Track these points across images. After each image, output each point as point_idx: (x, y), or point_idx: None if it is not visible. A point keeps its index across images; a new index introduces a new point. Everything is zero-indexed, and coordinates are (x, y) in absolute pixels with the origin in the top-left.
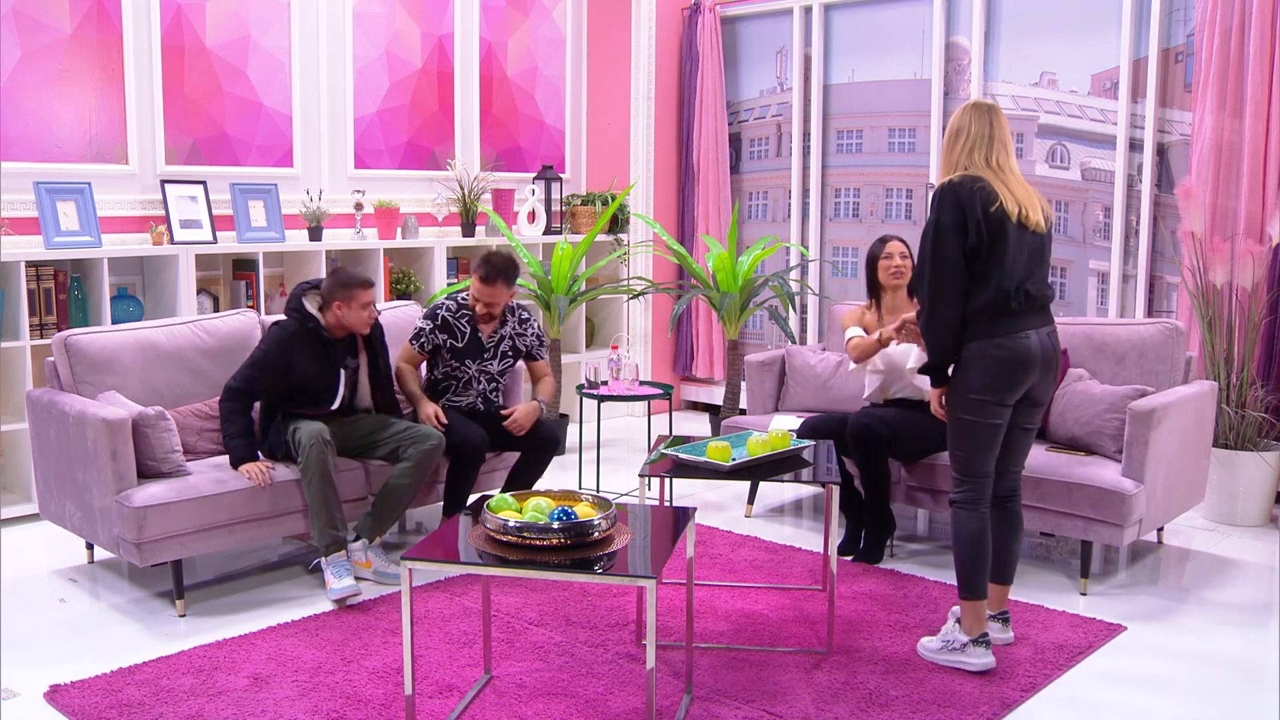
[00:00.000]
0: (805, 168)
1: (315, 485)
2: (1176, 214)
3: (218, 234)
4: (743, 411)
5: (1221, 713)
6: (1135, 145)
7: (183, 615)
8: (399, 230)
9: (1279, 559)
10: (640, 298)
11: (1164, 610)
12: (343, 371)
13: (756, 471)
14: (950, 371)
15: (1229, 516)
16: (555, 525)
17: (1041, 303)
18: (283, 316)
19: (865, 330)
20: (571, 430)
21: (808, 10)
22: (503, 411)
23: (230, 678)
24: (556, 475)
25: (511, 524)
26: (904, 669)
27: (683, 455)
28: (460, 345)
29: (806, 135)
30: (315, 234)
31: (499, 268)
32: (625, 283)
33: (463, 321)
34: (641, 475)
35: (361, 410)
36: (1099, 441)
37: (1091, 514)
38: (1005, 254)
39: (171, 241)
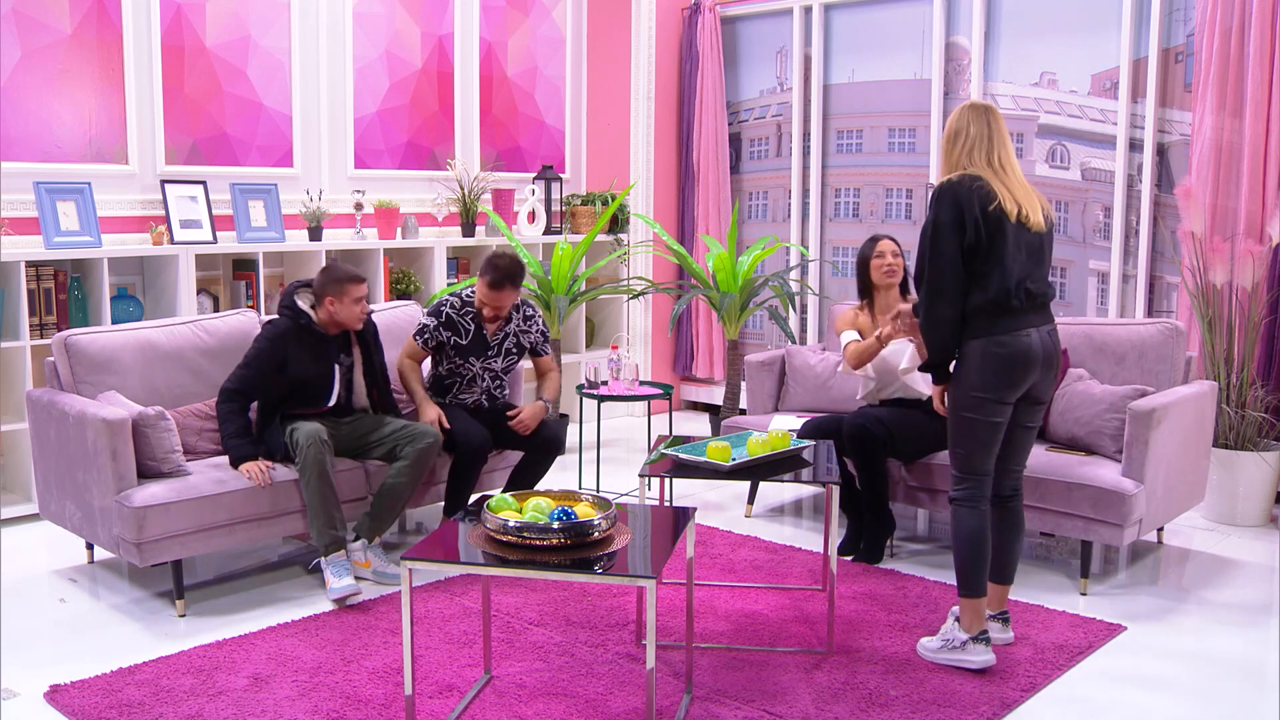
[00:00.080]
0: (805, 168)
1: (313, 485)
2: (1176, 214)
3: (218, 234)
4: (743, 411)
5: (1221, 713)
6: (1135, 145)
7: (183, 615)
8: (399, 230)
9: (1279, 559)
10: (640, 298)
11: (1164, 610)
12: (337, 368)
13: (756, 471)
14: (951, 369)
15: (1229, 516)
16: (555, 525)
17: (1042, 301)
18: (275, 315)
19: (860, 333)
20: (571, 430)
21: (808, 10)
22: (509, 413)
23: (230, 678)
24: (556, 475)
25: (511, 524)
26: (904, 669)
27: (683, 455)
28: (465, 343)
29: (806, 135)
30: (315, 234)
31: (506, 273)
32: (625, 283)
33: (467, 319)
34: (641, 475)
35: (359, 409)
36: (1099, 441)
37: (1091, 514)
38: (1004, 252)
39: (171, 241)
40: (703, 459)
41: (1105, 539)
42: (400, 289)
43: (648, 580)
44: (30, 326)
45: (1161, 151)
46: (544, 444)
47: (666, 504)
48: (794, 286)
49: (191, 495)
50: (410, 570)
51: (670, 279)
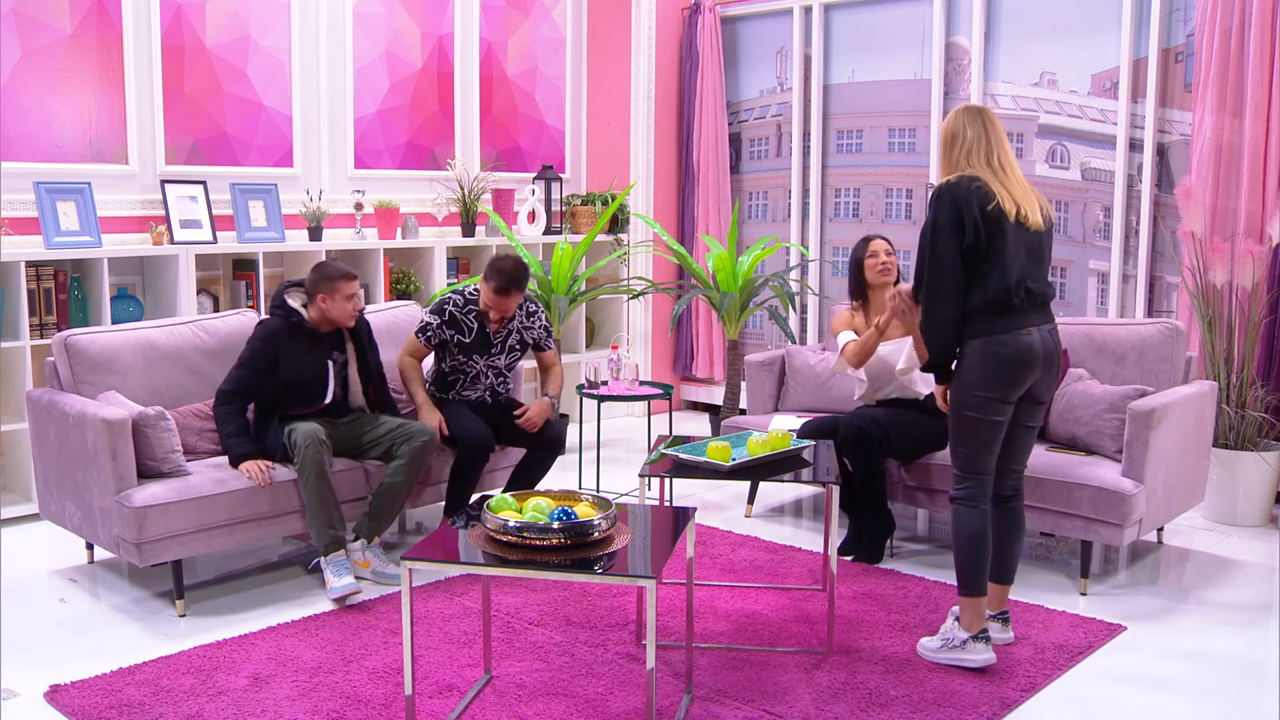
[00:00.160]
0: (805, 168)
1: (312, 485)
2: (1176, 214)
3: (218, 234)
4: (743, 411)
5: (1221, 712)
6: (1135, 145)
7: (183, 615)
8: (399, 230)
9: (1279, 559)
10: (640, 298)
11: (1164, 610)
12: (330, 365)
13: (756, 471)
14: (953, 368)
15: (1229, 516)
16: (555, 525)
17: (1042, 300)
18: (266, 316)
19: (856, 334)
20: (571, 430)
21: (808, 10)
22: (515, 411)
23: (230, 678)
24: (556, 475)
25: (511, 524)
26: (904, 669)
27: (683, 455)
28: (468, 341)
29: (806, 135)
30: (315, 234)
31: (511, 277)
32: (625, 283)
33: (470, 317)
34: (641, 475)
35: (355, 409)
36: (1099, 441)
37: (1091, 514)
38: (1004, 252)
39: (171, 241)
40: (703, 459)
41: (1105, 539)
42: (400, 289)
43: (648, 580)
44: (30, 326)
45: (1161, 151)
46: (546, 442)
47: (666, 504)
48: (794, 286)
49: (191, 495)
50: (410, 570)
51: (670, 279)
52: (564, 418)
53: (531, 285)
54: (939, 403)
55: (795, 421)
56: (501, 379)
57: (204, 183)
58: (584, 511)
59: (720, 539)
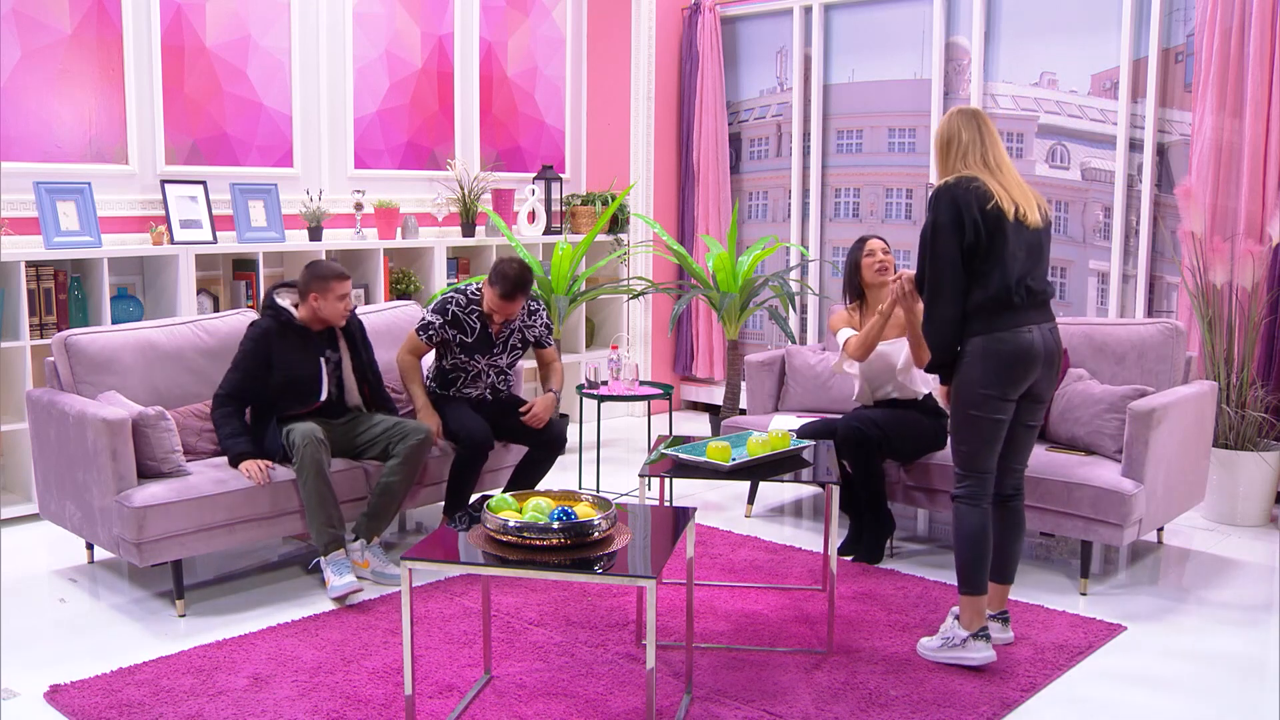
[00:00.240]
0: (805, 168)
1: (311, 485)
2: (1176, 214)
3: (218, 234)
4: (743, 411)
5: (1221, 712)
6: (1135, 145)
7: (183, 615)
8: (399, 230)
9: (1279, 559)
10: (640, 298)
11: (1164, 610)
12: (323, 363)
13: (756, 471)
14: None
15: (1229, 516)
16: (555, 525)
17: (1042, 298)
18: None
19: (856, 330)
20: (571, 430)
21: (808, 10)
22: (521, 409)
23: (230, 678)
24: (556, 475)
25: (511, 524)
26: (904, 669)
27: (683, 455)
28: (470, 341)
29: (806, 135)
30: (315, 234)
31: (518, 283)
32: (625, 283)
33: (473, 317)
34: (641, 475)
35: (352, 408)
36: (1099, 441)
37: (1091, 514)
38: (1004, 251)
39: (171, 241)
40: (703, 459)
41: (1105, 539)
42: (400, 289)
43: (648, 580)
44: (30, 326)
45: (1161, 151)
46: (548, 441)
47: (666, 504)
48: (794, 286)
49: (191, 495)
50: (410, 570)
51: (670, 279)
52: (564, 417)
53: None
54: (944, 403)
55: (795, 421)
56: (503, 377)
57: (204, 183)
58: (584, 511)
59: (720, 539)
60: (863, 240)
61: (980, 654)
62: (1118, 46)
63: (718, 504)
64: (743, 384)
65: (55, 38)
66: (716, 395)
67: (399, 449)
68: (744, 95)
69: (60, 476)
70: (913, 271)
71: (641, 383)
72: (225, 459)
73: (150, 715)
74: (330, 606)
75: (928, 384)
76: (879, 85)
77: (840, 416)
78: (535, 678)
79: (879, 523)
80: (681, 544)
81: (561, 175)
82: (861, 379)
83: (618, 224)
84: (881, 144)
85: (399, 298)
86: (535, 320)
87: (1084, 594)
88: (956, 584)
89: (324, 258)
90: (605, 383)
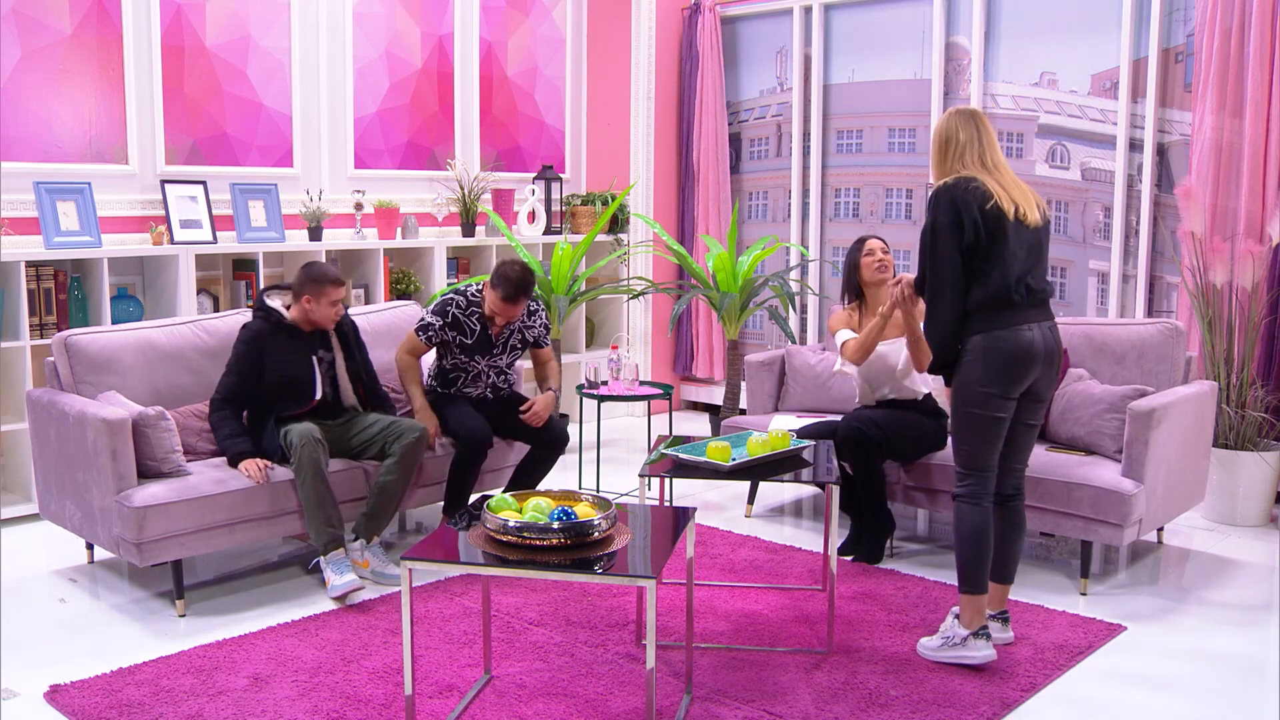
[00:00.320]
0: (805, 168)
1: (309, 485)
2: (1176, 214)
3: (218, 234)
4: (743, 411)
5: (1221, 712)
6: (1135, 145)
7: (183, 615)
8: (399, 230)
9: (1279, 559)
10: (640, 298)
11: (1164, 610)
12: (316, 362)
13: (756, 471)
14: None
15: (1229, 516)
16: (555, 525)
17: (1042, 297)
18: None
19: (855, 332)
20: (571, 430)
21: (808, 10)
22: (521, 407)
23: (230, 678)
24: (556, 475)
25: (511, 524)
26: (904, 669)
27: (683, 455)
28: (470, 342)
29: (806, 135)
30: (315, 234)
31: (520, 286)
32: (625, 283)
33: (473, 319)
34: (641, 475)
35: (349, 408)
36: (1099, 441)
37: (1091, 514)
38: (1004, 250)
39: (171, 241)
40: (703, 459)
41: (1105, 539)
42: (400, 289)
43: (648, 580)
44: (30, 326)
45: (1161, 151)
46: (550, 440)
47: (666, 504)
48: (794, 286)
49: (191, 495)
50: (410, 570)
51: (670, 279)
52: (564, 418)
53: None
54: (944, 404)
55: (795, 421)
56: (503, 376)
57: (204, 183)
58: (584, 511)
59: (720, 539)
60: (862, 240)
61: (980, 652)
62: (1118, 46)
63: (718, 504)
64: (743, 384)
65: (55, 38)
66: (716, 395)
67: (395, 448)
68: (744, 95)
69: (60, 476)
70: (912, 275)
71: (641, 383)
72: (225, 459)
73: (150, 715)
74: (330, 606)
75: (928, 384)
76: (879, 85)
77: (840, 417)
78: (535, 678)
79: (879, 523)
80: (681, 544)
81: (561, 175)
82: (861, 379)
83: (618, 224)
84: (881, 144)
85: (399, 298)
86: (535, 320)
87: (1084, 594)
88: (957, 583)
89: (324, 257)
90: (605, 383)
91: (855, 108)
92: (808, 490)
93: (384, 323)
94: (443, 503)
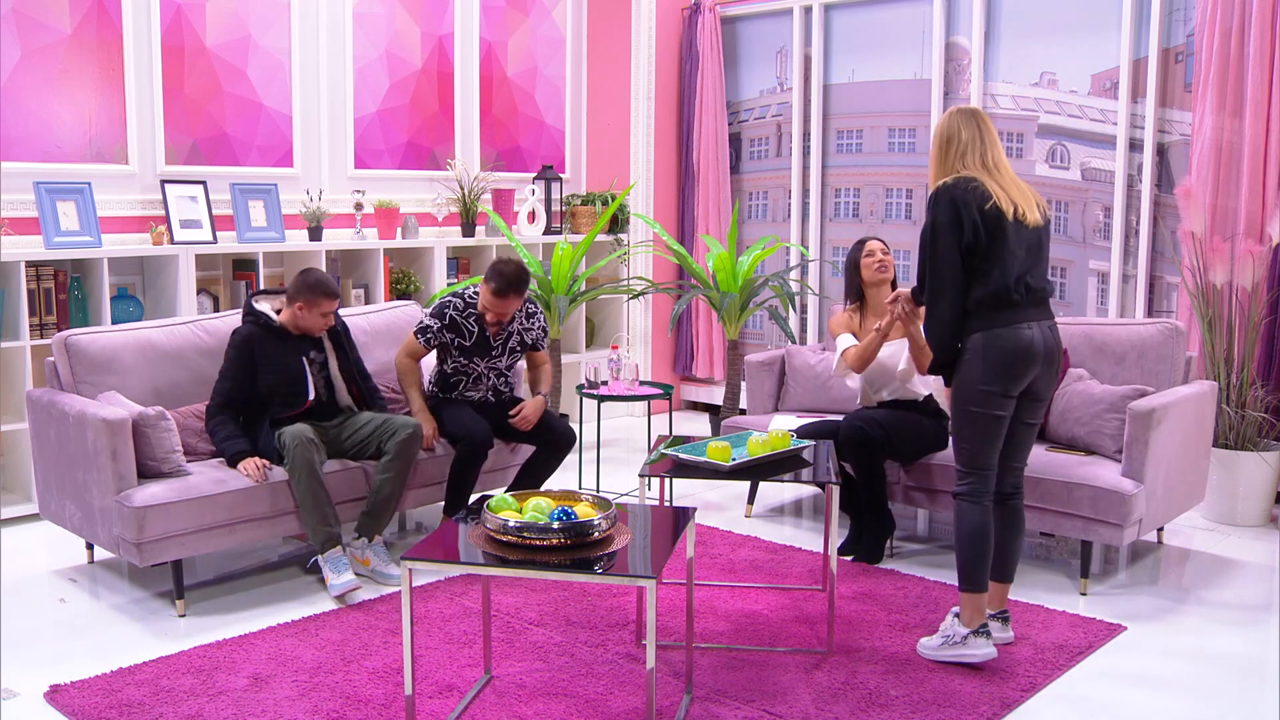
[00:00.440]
0: (805, 168)
1: (304, 485)
2: (1176, 214)
3: (218, 234)
4: (743, 411)
5: (1221, 712)
6: (1135, 145)
7: (183, 615)
8: (399, 230)
9: (1279, 559)
10: (640, 298)
11: (1164, 610)
12: (306, 362)
13: (756, 471)
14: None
15: (1229, 516)
16: (555, 525)
17: (1041, 296)
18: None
19: (855, 336)
20: None
21: (808, 10)
22: (510, 412)
23: (230, 678)
24: (557, 475)
25: (511, 524)
26: (904, 669)
27: (683, 455)
28: (468, 344)
29: (806, 135)
30: (315, 234)
31: (511, 281)
32: (625, 283)
33: (470, 321)
34: (641, 475)
35: (344, 408)
36: (1099, 441)
37: (1091, 514)
38: (1004, 249)
39: (171, 241)
40: (703, 459)
41: (1105, 539)
42: (400, 289)
43: (648, 580)
44: (30, 326)
45: (1161, 151)
46: (557, 439)
47: (666, 504)
48: (794, 286)
49: (191, 495)
50: (410, 570)
51: (670, 279)
52: (564, 418)
53: (531, 285)
54: (945, 405)
55: (795, 421)
56: (503, 379)
57: (204, 183)
58: (584, 511)
59: (720, 539)
60: (862, 242)
61: (981, 650)
62: (1118, 46)
63: (718, 504)
64: (743, 384)
65: (55, 38)
66: (716, 395)
67: (389, 445)
68: (744, 95)
69: (60, 476)
70: (909, 290)
71: (641, 383)
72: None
73: (150, 715)
74: (330, 606)
75: (929, 385)
76: (879, 85)
77: (840, 417)
78: (535, 678)
79: (879, 523)
80: (681, 544)
81: (561, 175)
82: (863, 380)
83: (618, 224)
84: (881, 144)
85: (399, 298)
86: (533, 323)
87: (1084, 594)
88: (957, 582)
89: (324, 257)
90: (605, 383)
91: (855, 108)
92: (808, 490)
93: (384, 323)
94: (443, 503)
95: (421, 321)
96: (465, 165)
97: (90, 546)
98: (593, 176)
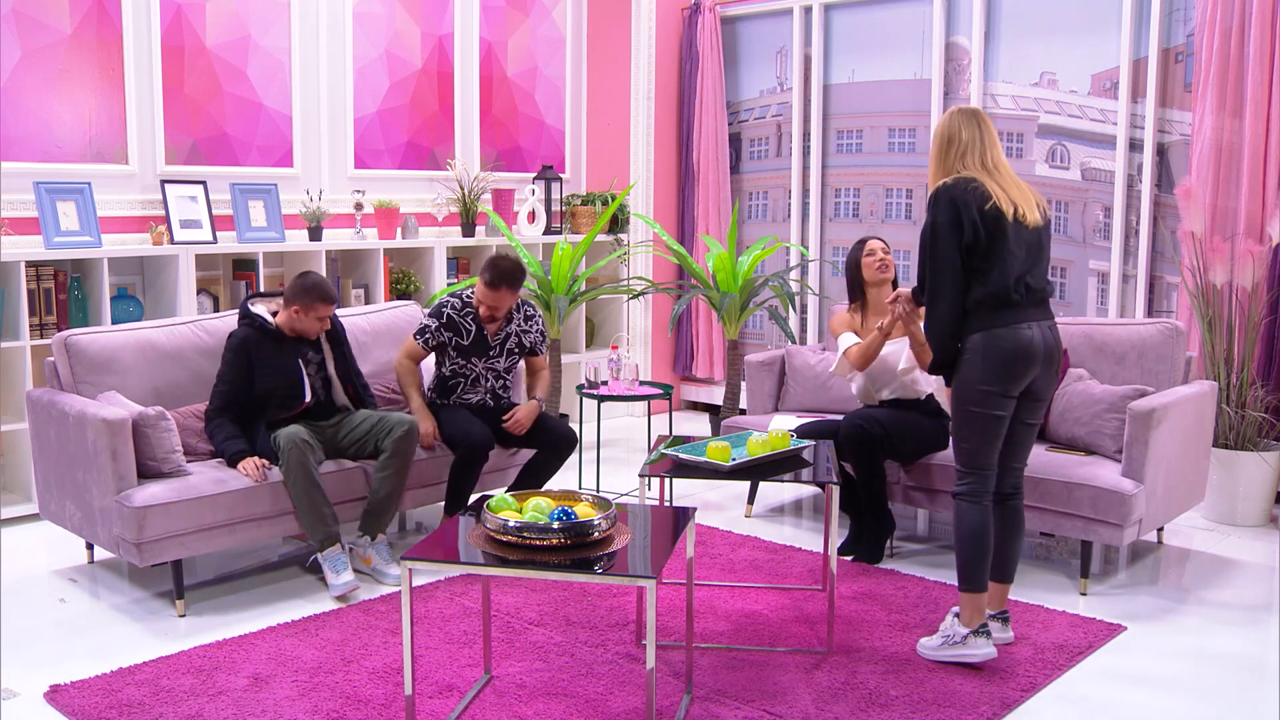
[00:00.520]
0: (805, 168)
1: (300, 486)
2: (1176, 214)
3: (218, 234)
4: (743, 411)
5: (1221, 712)
6: (1135, 145)
7: (183, 615)
8: (399, 230)
9: (1279, 559)
10: (640, 298)
11: (1164, 610)
12: (302, 364)
13: (756, 471)
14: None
15: (1229, 516)
16: (555, 525)
17: (1041, 296)
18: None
19: (856, 333)
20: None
21: (808, 10)
22: (504, 416)
23: (230, 678)
24: (557, 475)
25: (511, 524)
26: (904, 669)
27: (683, 455)
28: (466, 343)
29: (806, 135)
30: (315, 234)
31: (505, 273)
32: (625, 283)
33: (468, 320)
34: (641, 475)
35: (340, 408)
36: (1099, 441)
37: (1091, 514)
38: (1004, 250)
39: (171, 241)
40: (703, 459)
41: (1105, 539)
42: (400, 289)
43: (648, 580)
44: (30, 326)
45: (1161, 151)
46: (556, 441)
47: (666, 504)
48: (794, 286)
49: (191, 495)
50: (410, 570)
51: (670, 279)
52: (564, 418)
53: (531, 285)
54: (946, 406)
55: (795, 421)
56: (501, 382)
57: (204, 183)
58: (584, 511)
59: (720, 539)
60: (863, 241)
61: (981, 650)
62: (1118, 46)
63: (718, 504)
64: (743, 384)
65: (55, 38)
66: (716, 395)
67: (386, 444)
68: (744, 95)
69: (60, 476)
70: (909, 290)
71: (641, 383)
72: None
73: (150, 715)
74: (330, 606)
75: (931, 384)
76: (879, 85)
77: (840, 417)
78: (535, 678)
79: (879, 523)
80: (681, 544)
81: (561, 175)
82: (864, 378)
83: (618, 224)
84: (881, 144)
85: (399, 298)
86: (531, 326)
87: (1084, 594)
88: (957, 581)
89: (324, 257)
90: (605, 383)
91: (855, 108)
92: (808, 490)
93: (384, 323)
94: (443, 503)
95: (420, 322)
96: (465, 165)
97: (90, 546)
98: (593, 176)
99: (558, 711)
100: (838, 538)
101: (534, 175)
